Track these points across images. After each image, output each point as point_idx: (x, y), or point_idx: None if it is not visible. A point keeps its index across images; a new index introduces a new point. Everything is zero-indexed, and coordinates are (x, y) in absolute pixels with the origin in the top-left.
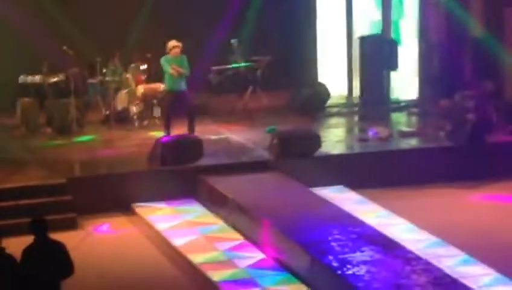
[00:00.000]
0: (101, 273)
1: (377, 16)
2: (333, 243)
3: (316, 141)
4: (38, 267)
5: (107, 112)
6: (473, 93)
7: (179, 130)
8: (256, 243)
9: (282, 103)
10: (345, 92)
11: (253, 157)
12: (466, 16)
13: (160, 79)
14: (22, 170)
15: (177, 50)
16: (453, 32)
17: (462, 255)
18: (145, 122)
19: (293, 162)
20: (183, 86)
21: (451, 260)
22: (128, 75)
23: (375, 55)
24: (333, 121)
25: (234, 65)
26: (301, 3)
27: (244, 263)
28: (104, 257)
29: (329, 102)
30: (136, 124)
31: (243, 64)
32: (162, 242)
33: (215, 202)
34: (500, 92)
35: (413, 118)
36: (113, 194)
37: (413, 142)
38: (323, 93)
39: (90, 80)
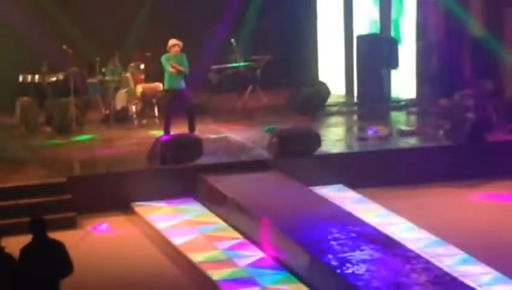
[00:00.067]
0: (101, 273)
1: (376, 14)
2: (333, 242)
3: (316, 140)
4: (38, 267)
5: (107, 111)
6: (473, 92)
7: (179, 129)
8: (256, 242)
9: (281, 102)
10: (345, 91)
11: (253, 156)
12: (465, 14)
13: (159, 78)
14: (21, 169)
15: (177, 48)
16: (452, 31)
17: (461, 254)
18: (144, 122)
19: (293, 161)
20: (182, 84)
21: (450, 259)
22: (128, 75)
23: (374, 54)
24: (333, 120)
25: (234, 64)
26: (301, 3)
27: (243, 262)
28: (103, 256)
29: (329, 101)
30: (136, 123)
31: (242, 63)
32: (161, 241)
33: (215, 201)
34: (500, 91)
35: (413, 117)
36: (112, 193)
37: (412, 141)
38: (323, 92)
39: (90, 79)
